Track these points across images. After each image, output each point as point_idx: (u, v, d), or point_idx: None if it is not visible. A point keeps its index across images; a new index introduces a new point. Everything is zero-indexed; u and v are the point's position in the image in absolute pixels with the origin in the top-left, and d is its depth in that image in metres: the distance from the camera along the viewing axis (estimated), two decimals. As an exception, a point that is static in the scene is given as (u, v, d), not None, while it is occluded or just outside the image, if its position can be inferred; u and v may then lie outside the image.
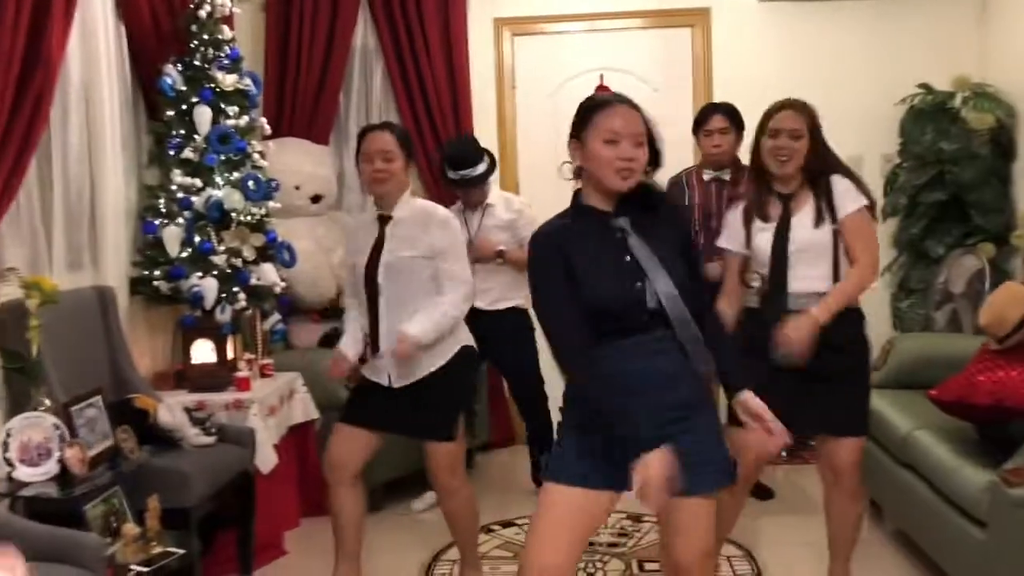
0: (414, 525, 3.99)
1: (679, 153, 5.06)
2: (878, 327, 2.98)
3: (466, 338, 3.09)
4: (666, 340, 2.08)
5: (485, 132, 5.01)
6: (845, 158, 4.95)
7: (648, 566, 3.45)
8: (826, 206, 2.81)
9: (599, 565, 3.46)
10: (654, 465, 1.94)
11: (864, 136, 4.85)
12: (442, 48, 4.91)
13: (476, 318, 3.77)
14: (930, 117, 4.59)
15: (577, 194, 2.19)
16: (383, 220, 3.01)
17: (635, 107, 2.11)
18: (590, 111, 2.10)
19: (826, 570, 3.14)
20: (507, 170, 5.09)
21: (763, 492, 4.09)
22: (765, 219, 2.86)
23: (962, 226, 4.50)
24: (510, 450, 4.97)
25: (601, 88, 5.05)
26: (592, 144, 2.07)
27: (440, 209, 3.11)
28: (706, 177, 4.10)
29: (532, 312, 2.36)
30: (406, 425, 3.05)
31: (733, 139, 4.06)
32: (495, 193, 4.23)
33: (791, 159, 2.82)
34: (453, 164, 4.08)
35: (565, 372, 2.15)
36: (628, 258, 2.08)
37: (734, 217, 2.98)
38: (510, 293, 4.17)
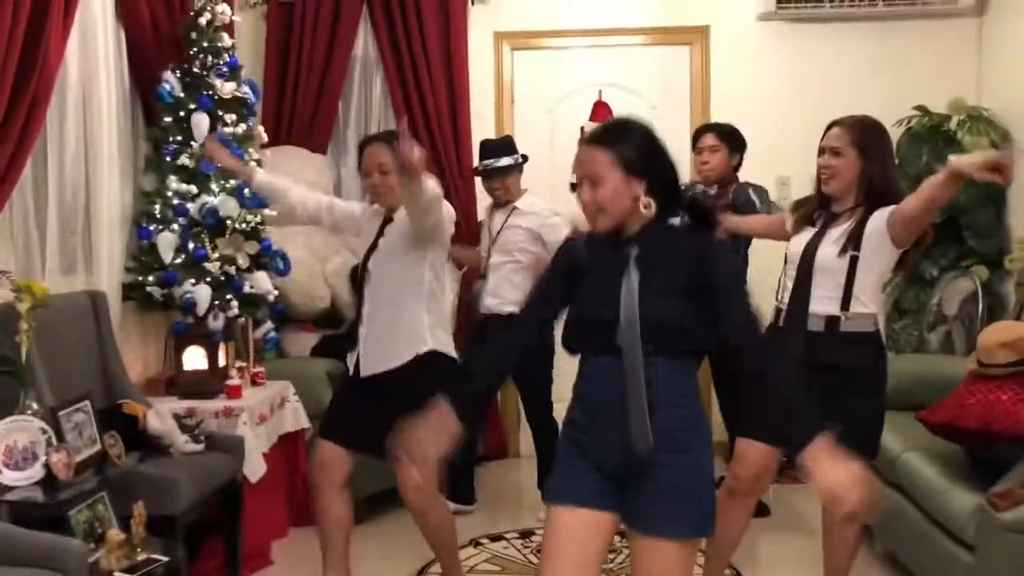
0: (402, 536, 3.96)
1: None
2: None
3: (439, 343, 3.01)
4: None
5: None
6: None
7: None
8: (855, 234, 2.71)
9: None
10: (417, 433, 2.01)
11: (860, 157, 4.88)
12: (442, 60, 4.92)
13: (494, 322, 4.01)
14: (926, 139, 4.61)
15: None
16: (386, 219, 3.06)
17: (599, 142, 2.02)
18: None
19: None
20: (504, 183, 5.10)
21: (759, 509, 4.07)
22: (809, 223, 2.88)
23: (956, 248, 4.52)
24: (503, 463, 4.96)
25: (599, 104, 5.07)
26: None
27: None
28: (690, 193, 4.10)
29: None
30: (373, 446, 2.92)
31: (723, 157, 4.15)
32: (528, 199, 4.30)
33: (833, 177, 2.78)
34: (481, 155, 4.32)
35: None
36: (620, 284, 2.00)
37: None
38: (521, 254, 4.26)
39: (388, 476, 3.70)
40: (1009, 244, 4.45)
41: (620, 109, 5.05)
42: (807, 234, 2.84)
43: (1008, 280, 4.37)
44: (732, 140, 4.16)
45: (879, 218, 2.69)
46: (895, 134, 4.75)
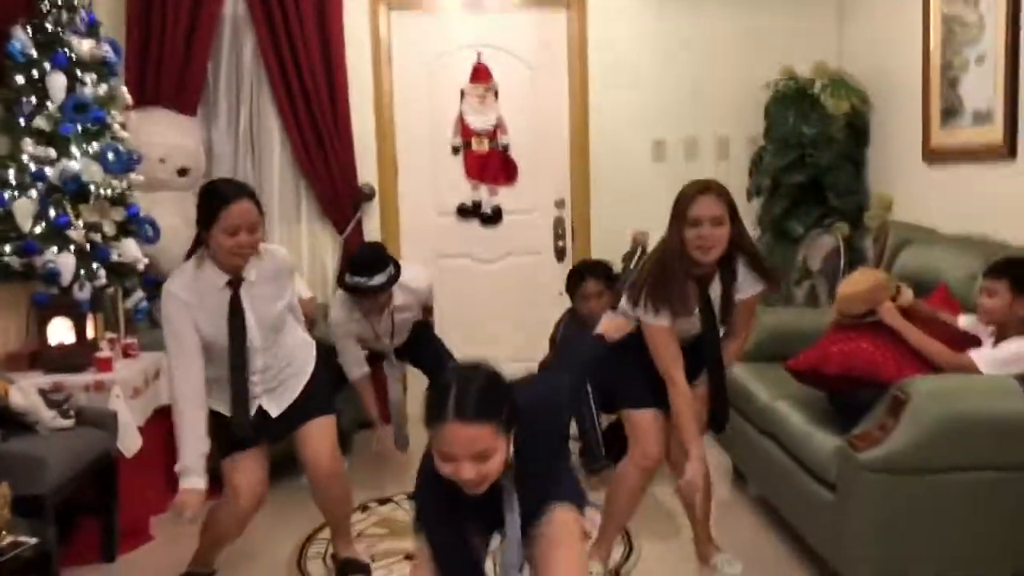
0: (294, 503, 3.92)
1: (554, 142, 5.15)
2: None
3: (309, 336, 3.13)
4: None
5: (362, 107, 4.96)
6: (714, 140, 5.16)
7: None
8: (729, 289, 2.80)
9: None
10: None
11: (732, 119, 5.05)
12: (316, 20, 4.79)
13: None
14: (792, 102, 4.79)
15: None
16: (234, 284, 2.79)
17: (478, 418, 1.83)
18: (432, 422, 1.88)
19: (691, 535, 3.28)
20: (385, 144, 5.04)
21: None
22: (689, 312, 2.79)
23: (820, 207, 4.73)
24: (387, 429, 4.93)
25: (479, 67, 5.06)
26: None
27: (277, 252, 2.93)
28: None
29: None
30: (295, 417, 2.99)
31: (608, 298, 3.91)
32: (399, 292, 3.93)
33: (714, 247, 2.70)
34: (352, 269, 3.81)
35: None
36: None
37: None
38: (413, 319, 4.14)
39: (278, 447, 3.68)
40: (868, 201, 4.69)
41: (500, 72, 5.07)
42: (693, 319, 2.80)
43: (867, 236, 4.61)
44: (612, 280, 4.05)
45: (744, 267, 2.80)
46: (763, 97, 4.94)
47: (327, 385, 3.12)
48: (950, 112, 3.98)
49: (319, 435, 3.01)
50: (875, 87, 4.71)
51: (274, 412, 2.95)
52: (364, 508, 3.84)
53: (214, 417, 2.83)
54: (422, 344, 4.22)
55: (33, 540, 2.54)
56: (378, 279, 3.76)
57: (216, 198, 2.71)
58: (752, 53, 5.02)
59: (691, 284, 2.78)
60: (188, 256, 2.85)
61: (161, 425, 3.81)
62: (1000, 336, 2.88)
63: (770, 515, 3.60)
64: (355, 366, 3.99)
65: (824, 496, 2.83)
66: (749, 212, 4.91)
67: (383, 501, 3.94)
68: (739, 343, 2.99)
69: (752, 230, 4.91)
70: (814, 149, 4.67)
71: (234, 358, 2.81)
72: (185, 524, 2.78)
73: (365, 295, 3.79)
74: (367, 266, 3.78)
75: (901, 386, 2.69)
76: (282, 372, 2.97)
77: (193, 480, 2.73)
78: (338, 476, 3.07)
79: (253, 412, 2.90)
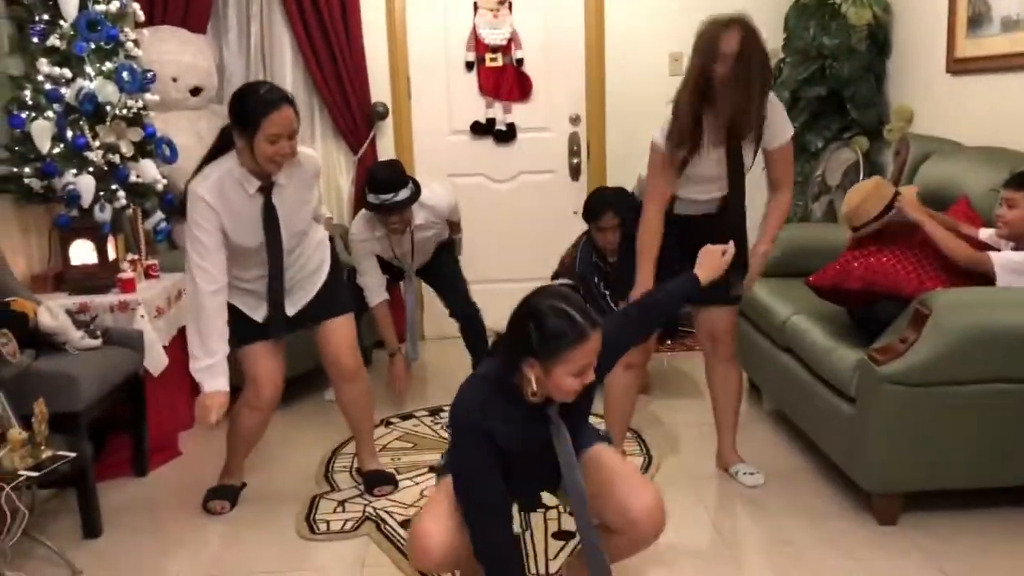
0: (320, 417, 4.00)
1: (569, 57, 5.04)
2: (757, 217, 3.08)
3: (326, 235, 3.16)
4: None
5: (374, 23, 4.87)
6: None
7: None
8: (758, 134, 2.87)
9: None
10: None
11: (750, 31, 4.93)
12: (326, -67, 4.68)
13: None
14: (813, 12, 4.68)
15: None
16: (265, 190, 2.80)
17: None
18: (560, 349, 1.98)
19: (710, 447, 3.35)
20: (398, 63, 4.97)
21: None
22: (696, 144, 2.82)
23: (840, 120, 4.66)
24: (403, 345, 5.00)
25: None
26: (557, 375, 2.02)
27: (309, 155, 2.92)
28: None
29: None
30: (312, 314, 3.06)
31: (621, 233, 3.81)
32: (419, 210, 3.91)
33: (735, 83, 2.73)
34: (375, 188, 3.77)
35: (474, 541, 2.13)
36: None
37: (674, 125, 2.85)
38: (436, 238, 4.13)
39: (300, 360, 3.74)
40: (887, 114, 4.63)
41: None
42: (718, 149, 2.85)
43: (887, 149, 4.56)
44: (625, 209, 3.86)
45: (775, 110, 2.87)
46: (783, 7, 4.83)
47: (343, 284, 3.17)
48: (977, 20, 3.89)
49: (340, 332, 3.09)
50: (899, -4, 4.59)
51: (290, 311, 3.00)
52: (387, 423, 3.91)
53: (230, 311, 2.85)
54: (441, 268, 4.21)
55: (71, 455, 2.61)
56: (403, 194, 3.75)
57: (259, 104, 2.65)
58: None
59: (714, 127, 2.80)
60: (207, 160, 2.82)
61: (184, 345, 3.85)
62: (1018, 249, 2.87)
63: (787, 428, 3.66)
64: (376, 291, 4.00)
65: (844, 409, 2.87)
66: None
67: (406, 416, 4.01)
68: (785, 197, 2.99)
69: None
70: (835, 61, 4.58)
71: (273, 265, 2.86)
72: (213, 428, 2.83)
73: (390, 212, 3.78)
74: (390, 183, 3.75)
75: (923, 299, 2.71)
76: (301, 271, 3.01)
77: (219, 382, 2.76)
78: (360, 371, 3.15)
79: (261, 316, 2.96)
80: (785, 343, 3.39)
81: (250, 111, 2.66)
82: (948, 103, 4.15)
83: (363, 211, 3.93)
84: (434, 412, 4.06)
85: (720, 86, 2.73)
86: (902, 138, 4.15)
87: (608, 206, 3.96)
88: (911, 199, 3.06)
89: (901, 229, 3.02)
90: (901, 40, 4.61)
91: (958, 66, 4.06)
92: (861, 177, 4.39)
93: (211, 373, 2.76)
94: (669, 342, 4.76)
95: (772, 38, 4.86)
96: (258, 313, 2.99)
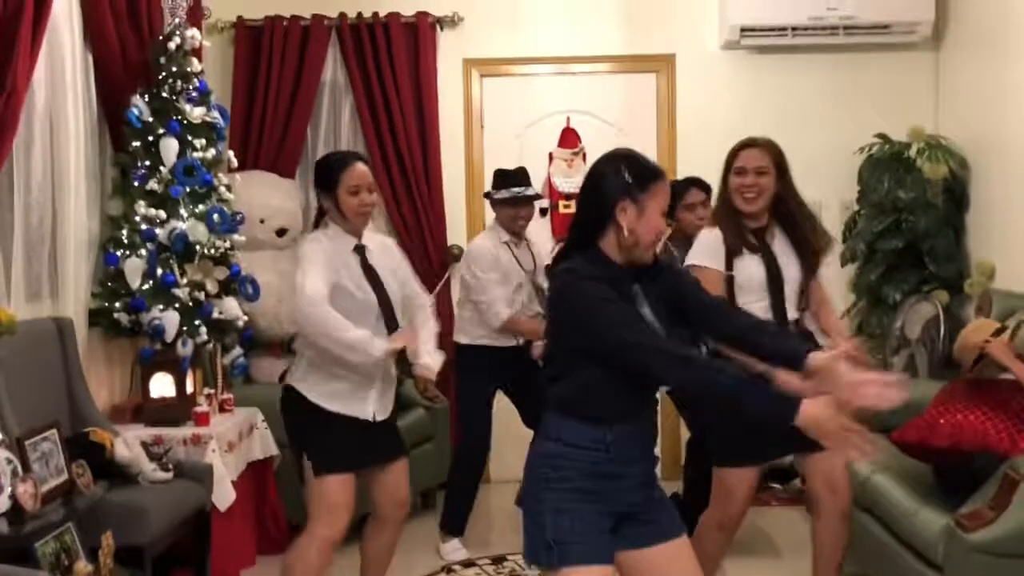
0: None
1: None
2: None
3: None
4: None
5: (453, 170, 5.07)
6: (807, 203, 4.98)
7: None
8: (804, 241, 2.93)
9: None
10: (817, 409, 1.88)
11: (824, 183, 4.95)
12: (411, 86, 4.95)
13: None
14: (887, 166, 4.70)
15: (587, 247, 2.10)
16: (360, 249, 2.96)
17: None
18: (650, 180, 2.07)
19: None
20: (475, 208, 5.12)
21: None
22: (751, 249, 2.90)
23: (918, 273, 4.60)
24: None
25: (567, 131, 5.13)
26: (650, 210, 2.05)
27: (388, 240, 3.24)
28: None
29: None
30: (381, 451, 2.96)
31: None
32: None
33: (760, 195, 2.89)
34: (503, 182, 3.99)
35: (680, 383, 2.15)
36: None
37: (711, 237, 2.94)
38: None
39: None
40: (968, 268, 4.55)
41: (588, 136, 5.12)
42: (752, 259, 2.89)
43: (968, 304, 4.45)
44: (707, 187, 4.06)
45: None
46: (856, 161, 4.87)
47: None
48: (1057, 178, 3.85)
49: (403, 472, 3.03)
50: (975, 151, 4.59)
51: (380, 415, 2.91)
52: (449, 571, 3.82)
53: (334, 420, 2.84)
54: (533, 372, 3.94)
55: (133, 591, 2.61)
56: (532, 190, 4.02)
57: (337, 162, 2.96)
58: (845, 116, 4.97)
59: (746, 232, 2.91)
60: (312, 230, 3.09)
61: (253, 480, 3.89)
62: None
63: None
64: (503, 303, 3.90)
65: (930, 577, 2.70)
66: (843, 277, 4.82)
67: (467, 564, 3.91)
68: (828, 310, 3.02)
69: (846, 295, 4.85)
70: (911, 214, 4.57)
71: (388, 320, 2.90)
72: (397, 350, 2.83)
73: (520, 205, 3.95)
74: (522, 176, 4.00)
75: (1014, 464, 2.58)
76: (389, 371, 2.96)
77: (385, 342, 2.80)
78: (400, 520, 3.06)
79: (371, 410, 2.89)
80: (866, 503, 3.24)
81: (329, 170, 2.94)
82: (1031, 258, 4.07)
83: (484, 231, 4.13)
84: (497, 561, 3.95)
85: None
86: (984, 293, 4.06)
87: (691, 184, 4.08)
88: (1002, 345, 2.97)
89: (997, 384, 2.94)
90: (979, 194, 4.58)
91: (1040, 222, 4.00)
92: (941, 331, 4.29)
93: (371, 339, 2.77)
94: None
95: (846, 190, 4.92)
96: (363, 406, 2.88)
